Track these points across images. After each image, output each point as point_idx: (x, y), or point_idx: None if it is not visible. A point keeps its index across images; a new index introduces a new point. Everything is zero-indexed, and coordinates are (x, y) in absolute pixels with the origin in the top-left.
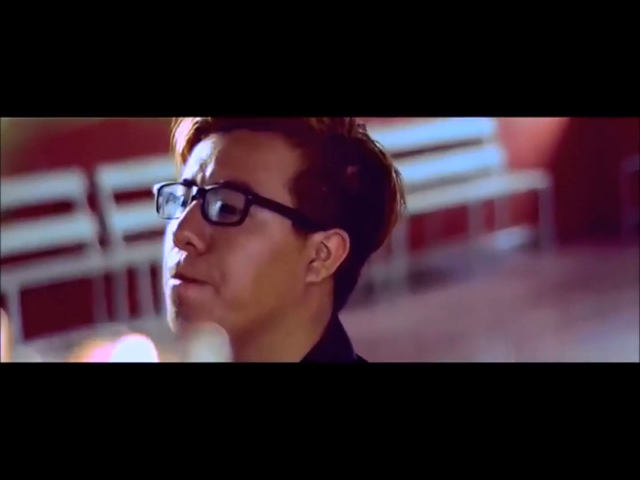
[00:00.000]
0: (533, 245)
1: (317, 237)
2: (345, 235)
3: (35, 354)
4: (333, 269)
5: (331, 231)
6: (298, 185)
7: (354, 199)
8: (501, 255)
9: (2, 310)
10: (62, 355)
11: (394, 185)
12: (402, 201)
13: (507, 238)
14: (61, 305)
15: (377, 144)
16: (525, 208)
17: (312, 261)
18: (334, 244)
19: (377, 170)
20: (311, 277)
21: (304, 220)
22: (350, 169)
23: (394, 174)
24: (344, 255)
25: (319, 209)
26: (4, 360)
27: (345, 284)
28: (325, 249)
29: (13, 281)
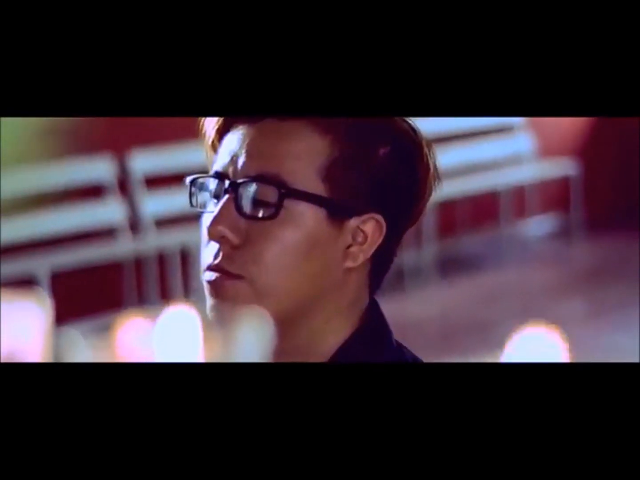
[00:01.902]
0: (563, 233)
1: (353, 222)
2: (381, 219)
3: (79, 335)
4: (370, 252)
5: (366, 215)
6: (330, 172)
7: (388, 181)
8: (531, 242)
9: (41, 292)
10: (103, 336)
11: (427, 160)
12: (435, 174)
13: (538, 225)
14: (92, 290)
15: (407, 121)
16: (555, 195)
17: (349, 247)
18: (370, 228)
19: (409, 148)
20: (349, 263)
21: (339, 208)
22: (382, 151)
23: (426, 149)
24: (381, 239)
25: (352, 194)
26: (45, 343)
27: (381, 266)
28: (361, 234)
29: (44, 265)
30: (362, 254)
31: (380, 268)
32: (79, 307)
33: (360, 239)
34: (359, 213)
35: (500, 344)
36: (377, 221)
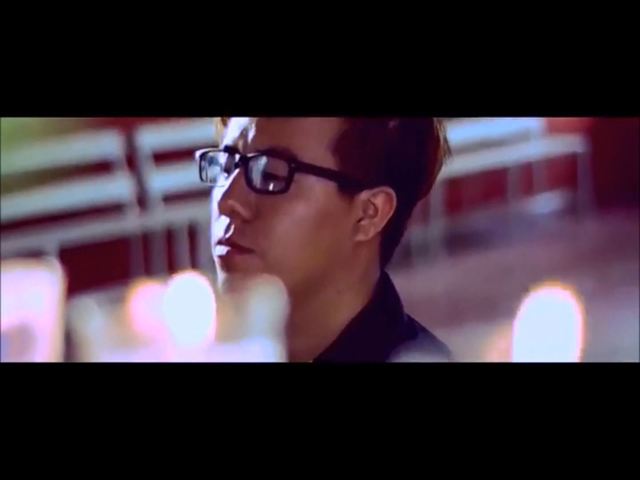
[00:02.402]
0: (571, 210)
1: (364, 195)
2: (392, 192)
3: (92, 304)
4: (381, 226)
5: (377, 189)
6: (340, 146)
7: (398, 153)
8: (539, 219)
9: (52, 262)
10: (116, 306)
11: (437, 133)
12: (445, 147)
13: (546, 202)
14: (100, 265)
15: None
16: (563, 172)
17: (359, 220)
18: (380, 201)
19: (419, 121)
20: (360, 237)
21: (349, 181)
22: (391, 123)
23: (436, 122)
24: (392, 212)
25: (363, 167)
26: (58, 311)
27: (392, 239)
28: (372, 207)
29: (52, 240)
30: (373, 228)
31: (391, 241)
32: (86, 283)
33: (371, 212)
34: (369, 186)
35: (506, 320)
36: (388, 194)
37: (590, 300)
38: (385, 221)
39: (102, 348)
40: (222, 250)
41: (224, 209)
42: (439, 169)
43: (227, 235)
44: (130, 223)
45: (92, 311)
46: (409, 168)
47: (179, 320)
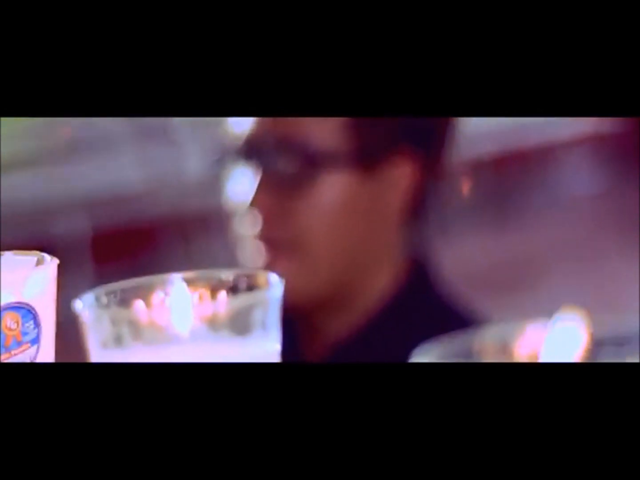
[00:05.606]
0: (601, 180)
1: (384, 170)
2: (413, 163)
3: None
4: (407, 197)
5: (398, 161)
6: (354, 125)
7: (415, 123)
8: (570, 188)
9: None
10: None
11: None
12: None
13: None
14: (128, 250)
15: None
16: (594, 144)
17: (384, 194)
18: (402, 173)
19: None
20: (386, 210)
21: (367, 159)
22: None
23: None
24: (414, 183)
25: (380, 141)
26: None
27: (418, 209)
28: (395, 180)
29: (78, 223)
30: (398, 200)
31: (418, 212)
32: (117, 263)
33: (394, 185)
34: (389, 159)
35: (535, 290)
36: (410, 165)
37: (619, 264)
38: (409, 192)
39: (104, 340)
40: (255, 250)
41: (248, 206)
42: (457, 134)
43: (254, 232)
44: (163, 206)
45: (98, 303)
46: (428, 136)
47: (183, 319)
